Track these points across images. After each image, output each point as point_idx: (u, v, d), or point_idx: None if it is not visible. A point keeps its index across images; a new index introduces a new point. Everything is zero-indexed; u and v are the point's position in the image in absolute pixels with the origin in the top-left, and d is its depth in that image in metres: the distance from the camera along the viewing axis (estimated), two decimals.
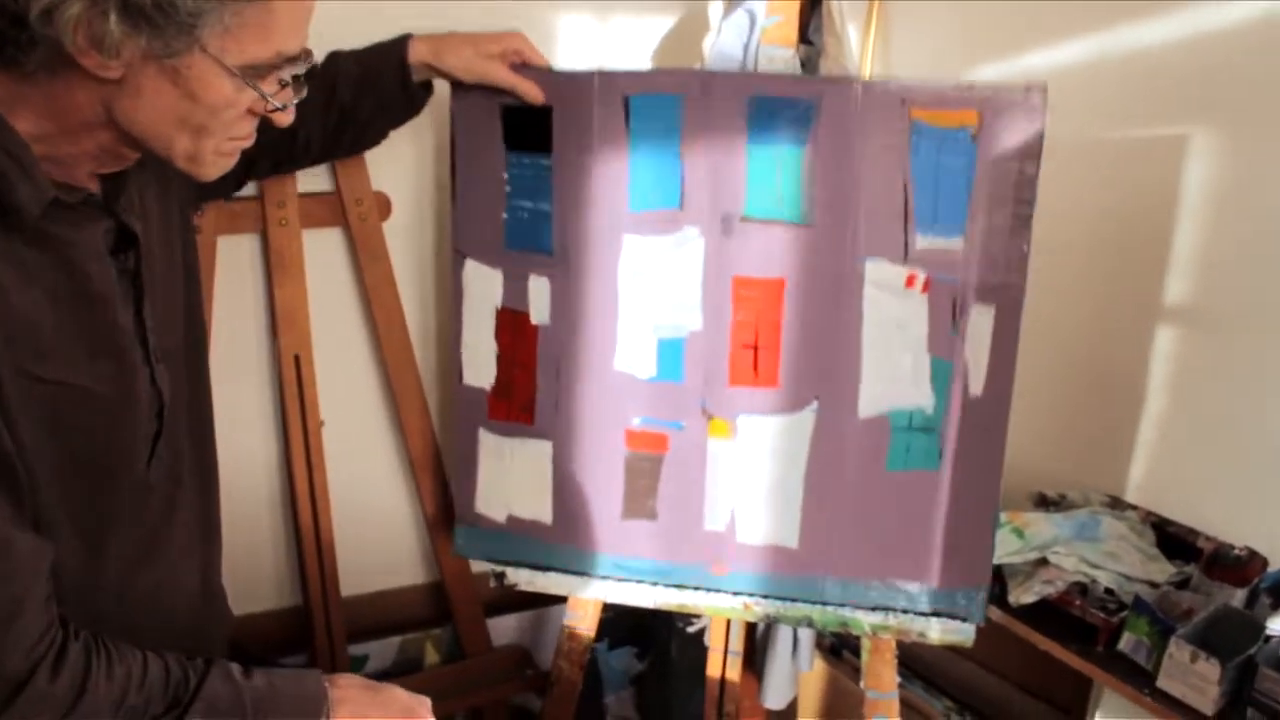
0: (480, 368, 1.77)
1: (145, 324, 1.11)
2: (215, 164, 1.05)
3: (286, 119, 1.05)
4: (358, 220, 1.88)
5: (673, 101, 1.62)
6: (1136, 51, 1.89)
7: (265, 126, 1.07)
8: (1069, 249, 1.99)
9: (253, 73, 0.97)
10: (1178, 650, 1.60)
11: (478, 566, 2.04)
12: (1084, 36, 1.98)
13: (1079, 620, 1.75)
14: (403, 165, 1.92)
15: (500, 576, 1.82)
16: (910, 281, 1.60)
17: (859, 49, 2.26)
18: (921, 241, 1.58)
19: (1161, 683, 1.63)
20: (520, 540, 1.79)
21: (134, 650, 1.06)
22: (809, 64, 1.83)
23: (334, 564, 1.96)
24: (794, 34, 1.77)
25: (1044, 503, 1.99)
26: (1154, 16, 1.86)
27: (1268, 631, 1.62)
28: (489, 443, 1.78)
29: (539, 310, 1.71)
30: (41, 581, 0.99)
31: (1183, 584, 1.77)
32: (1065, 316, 2.03)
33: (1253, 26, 1.73)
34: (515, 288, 1.72)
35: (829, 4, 1.78)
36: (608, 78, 1.62)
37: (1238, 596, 1.70)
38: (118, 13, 0.88)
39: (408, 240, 1.95)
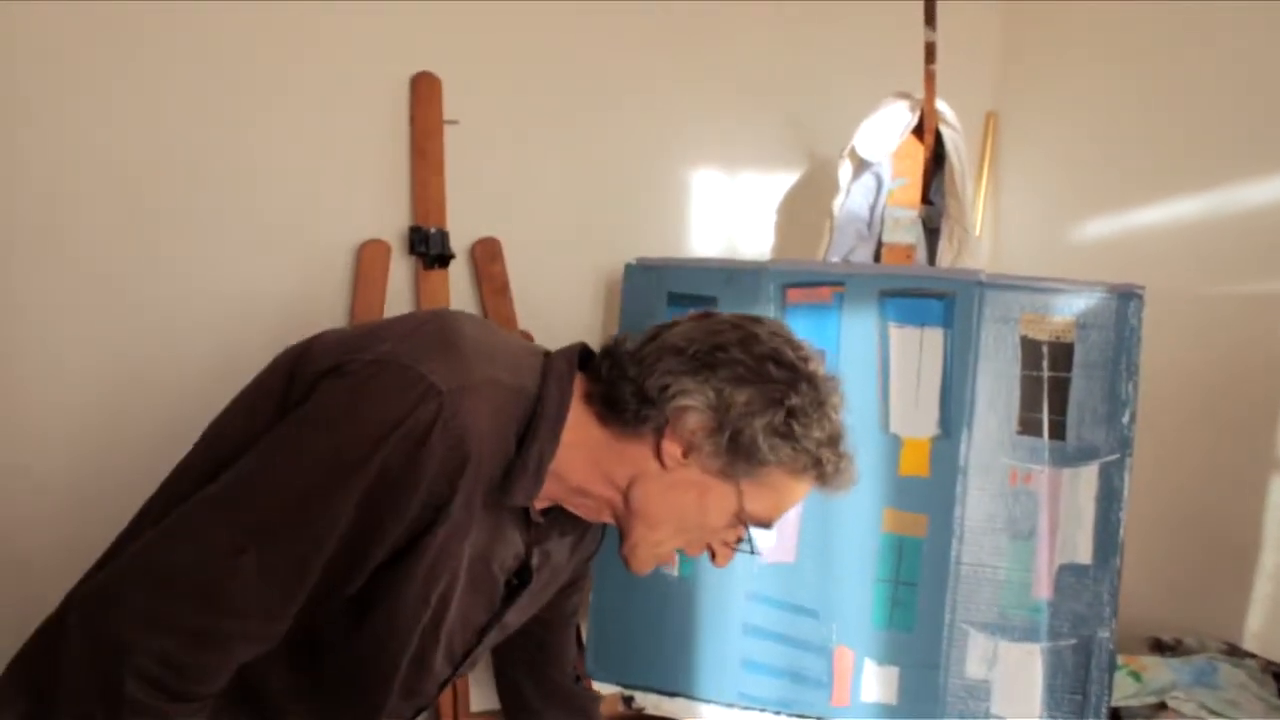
0: None
1: (478, 645, 1.22)
2: (651, 563, 1.15)
3: (723, 564, 1.17)
4: None
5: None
6: (1237, 210, 2.00)
7: None
8: (1175, 398, 2.06)
9: (751, 521, 1.11)
10: None
11: (599, 689, 2.11)
12: (1188, 194, 2.09)
13: None
14: (546, 305, 2.08)
15: (629, 700, 1.90)
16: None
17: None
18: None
19: None
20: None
21: None
22: (929, 221, 1.96)
23: (465, 682, 2.05)
24: (918, 196, 1.91)
25: (1159, 647, 2.02)
26: (1253, 177, 1.97)
27: None
28: None
29: None
30: (239, 653, 1.01)
31: None
32: (1174, 464, 2.09)
33: None
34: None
35: (951, 168, 1.92)
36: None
37: None
38: (728, 436, 1.06)
39: None
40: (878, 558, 1.80)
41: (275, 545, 0.96)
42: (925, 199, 1.94)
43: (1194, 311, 2.05)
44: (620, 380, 1.08)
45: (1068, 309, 1.74)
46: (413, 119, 2.01)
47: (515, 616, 1.24)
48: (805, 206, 2.26)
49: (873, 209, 1.94)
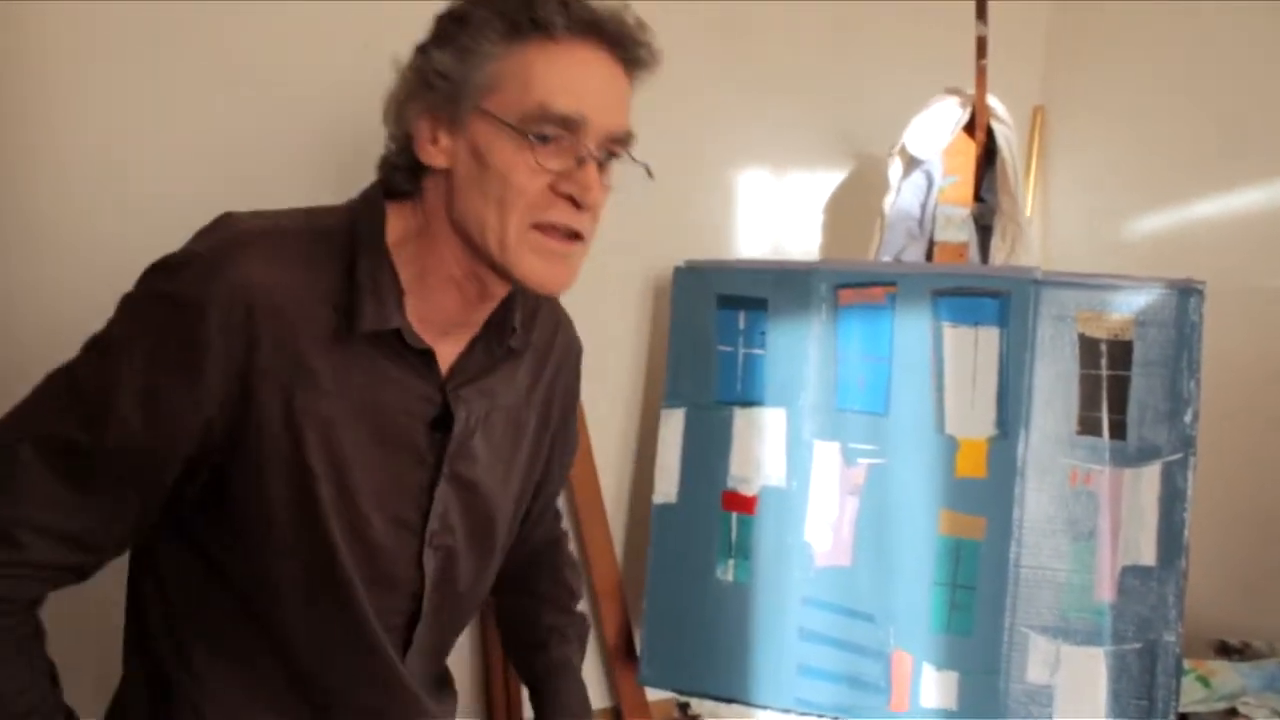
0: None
1: (431, 507, 1.14)
2: (528, 257, 1.05)
3: (586, 194, 1.05)
4: None
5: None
6: None
7: None
8: (1239, 395, 2.01)
9: (531, 127, 1.02)
10: None
11: (654, 695, 2.10)
12: (1246, 185, 2.04)
13: None
14: (594, 310, 2.06)
15: (684, 706, 1.89)
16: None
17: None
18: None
19: None
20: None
21: (42, 680, 1.03)
22: (981, 218, 1.94)
23: (518, 689, 2.04)
24: (970, 193, 1.89)
25: (1226, 651, 1.98)
26: None
27: None
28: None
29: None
30: (34, 548, 0.98)
31: None
32: (1240, 462, 2.04)
33: None
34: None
35: (1004, 164, 1.89)
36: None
37: None
38: (424, 83, 1.05)
39: (597, 382, 2.08)
40: (935, 561, 1.78)
41: (46, 429, 0.98)
42: (977, 196, 1.91)
43: (1257, 305, 2.00)
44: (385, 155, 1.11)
45: (1126, 306, 1.71)
46: None
47: (487, 474, 1.18)
48: (852, 205, 2.23)
49: (924, 207, 1.92)
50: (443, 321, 1.11)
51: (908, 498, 1.80)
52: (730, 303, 1.90)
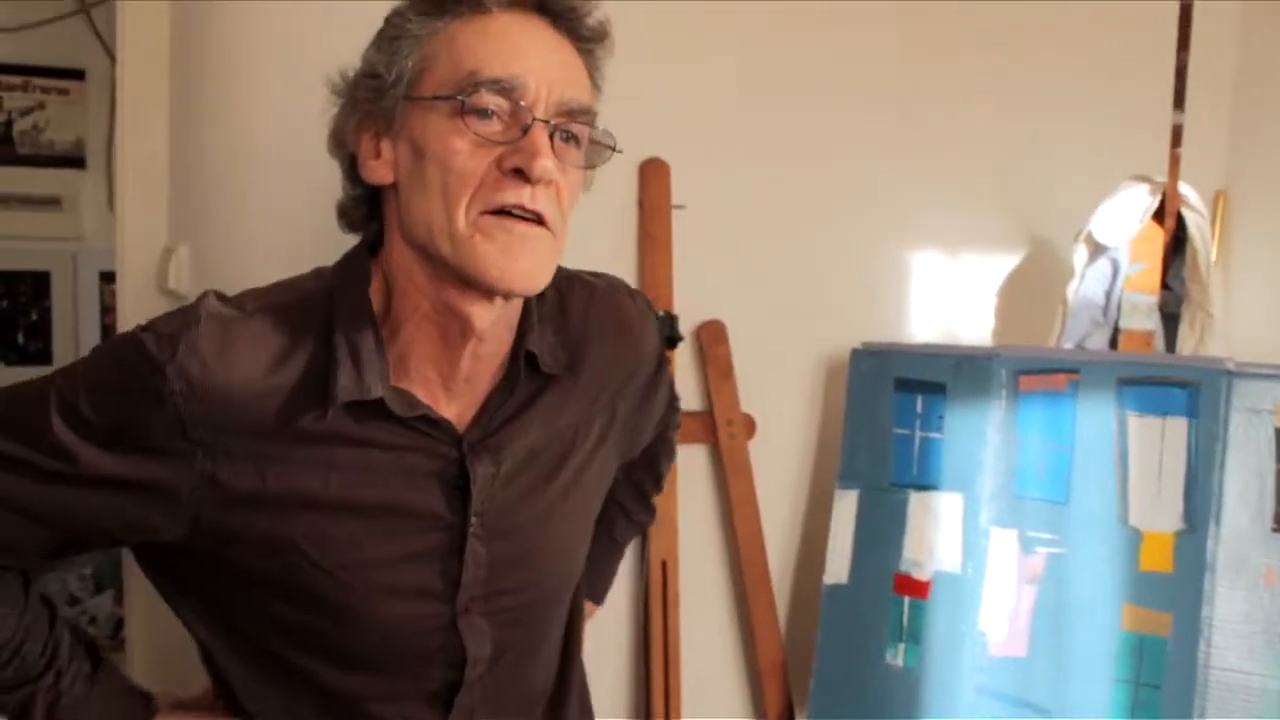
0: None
1: (462, 571, 1.07)
2: (480, 245, 0.94)
3: (534, 162, 0.94)
4: (726, 439, 2.05)
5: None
6: None
7: None
8: None
9: (461, 95, 0.94)
10: None
11: None
12: None
13: None
14: (768, 389, 2.09)
15: None
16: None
17: None
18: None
19: None
20: None
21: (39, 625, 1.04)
22: (1167, 306, 1.91)
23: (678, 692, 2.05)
24: (1157, 281, 1.86)
25: None
26: None
27: None
28: None
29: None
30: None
31: None
32: None
33: None
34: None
35: (1194, 252, 1.86)
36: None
37: None
38: (346, 102, 1.02)
39: (769, 460, 2.10)
40: (1116, 656, 1.73)
41: None
42: (1164, 284, 1.89)
43: None
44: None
45: None
46: (641, 204, 2.07)
47: (538, 512, 1.11)
48: (1026, 290, 2.22)
49: (1109, 294, 1.90)
50: (441, 376, 1.03)
51: (1088, 589, 1.76)
52: (908, 386, 1.91)
